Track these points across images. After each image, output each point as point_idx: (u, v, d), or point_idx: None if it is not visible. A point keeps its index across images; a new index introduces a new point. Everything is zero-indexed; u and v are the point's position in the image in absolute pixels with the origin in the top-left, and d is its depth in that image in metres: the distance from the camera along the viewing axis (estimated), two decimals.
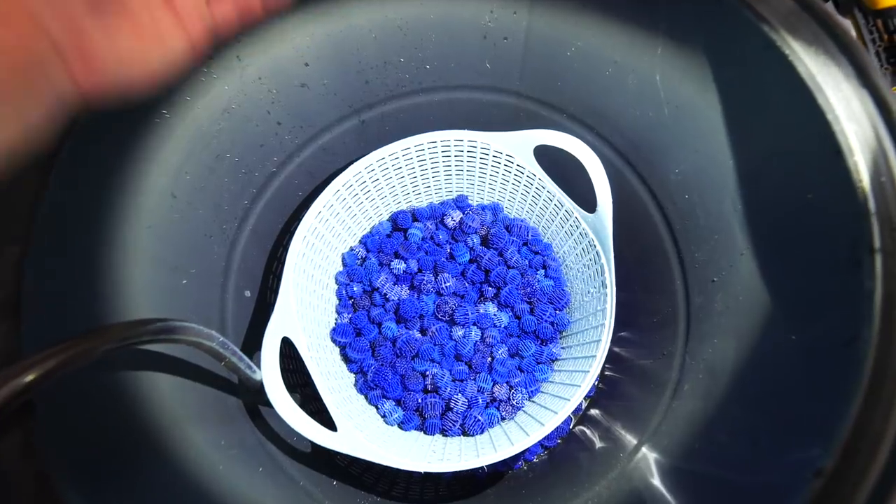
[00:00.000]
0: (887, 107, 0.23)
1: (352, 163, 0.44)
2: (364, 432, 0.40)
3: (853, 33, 0.31)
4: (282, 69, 0.40)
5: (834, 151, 0.24)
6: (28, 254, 0.28)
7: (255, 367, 0.36)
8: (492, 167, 0.49)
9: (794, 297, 0.30)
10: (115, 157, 0.34)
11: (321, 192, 0.43)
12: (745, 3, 0.26)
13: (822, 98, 0.24)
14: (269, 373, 0.35)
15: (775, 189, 0.31)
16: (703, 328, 0.40)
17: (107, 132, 0.33)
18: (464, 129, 0.45)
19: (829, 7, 0.32)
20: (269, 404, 0.35)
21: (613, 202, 0.41)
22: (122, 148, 0.35)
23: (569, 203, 0.46)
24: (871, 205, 0.23)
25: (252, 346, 0.47)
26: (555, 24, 0.38)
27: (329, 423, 0.37)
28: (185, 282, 0.39)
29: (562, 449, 0.51)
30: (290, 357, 0.40)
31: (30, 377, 0.17)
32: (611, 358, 0.51)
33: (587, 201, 0.43)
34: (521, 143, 0.45)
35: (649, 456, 0.40)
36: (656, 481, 0.38)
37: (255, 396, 0.41)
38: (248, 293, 0.48)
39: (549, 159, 0.44)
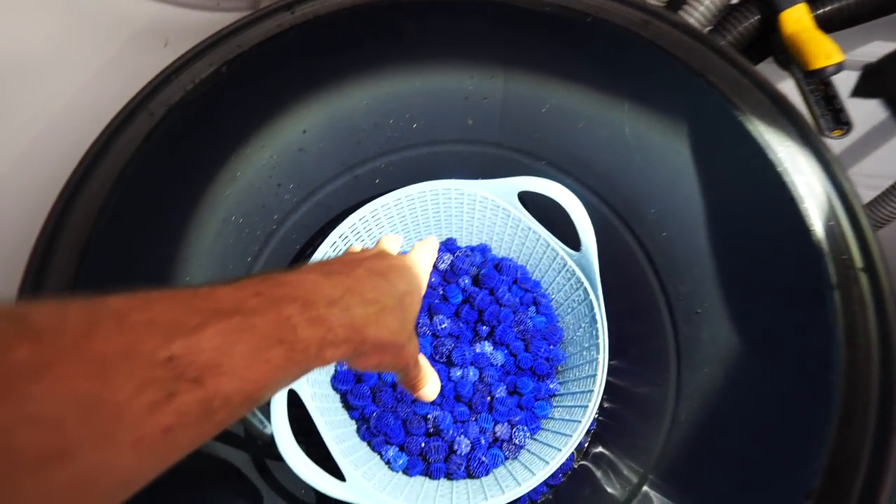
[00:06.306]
0: (825, 160, 0.27)
1: (346, 214, 0.46)
2: (371, 481, 0.40)
3: (793, 86, 0.35)
4: (282, 137, 0.43)
5: (789, 198, 0.27)
6: None
7: (265, 420, 0.36)
8: (479, 212, 0.51)
9: (773, 328, 0.32)
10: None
11: (317, 243, 0.45)
12: (697, 72, 0.29)
13: (772, 153, 0.28)
14: (280, 426, 0.36)
15: (744, 228, 0.34)
16: (694, 358, 0.42)
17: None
18: (450, 178, 0.48)
19: (770, 63, 0.36)
20: (277, 457, 0.36)
21: (597, 240, 0.43)
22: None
23: (554, 243, 0.48)
24: (825, 246, 0.25)
25: None
26: (529, 86, 0.42)
27: (333, 470, 0.38)
28: None
29: (566, 487, 0.51)
30: (292, 405, 0.41)
31: None
32: (608, 389, 0.52)
33: (571, 240, 0.45)
34: (505, 190, 0.47)
35: (653, 489, 0.41)
36: None
37: (264, 450, 0.41)
38: None
39: (533, 201, 0.47)
